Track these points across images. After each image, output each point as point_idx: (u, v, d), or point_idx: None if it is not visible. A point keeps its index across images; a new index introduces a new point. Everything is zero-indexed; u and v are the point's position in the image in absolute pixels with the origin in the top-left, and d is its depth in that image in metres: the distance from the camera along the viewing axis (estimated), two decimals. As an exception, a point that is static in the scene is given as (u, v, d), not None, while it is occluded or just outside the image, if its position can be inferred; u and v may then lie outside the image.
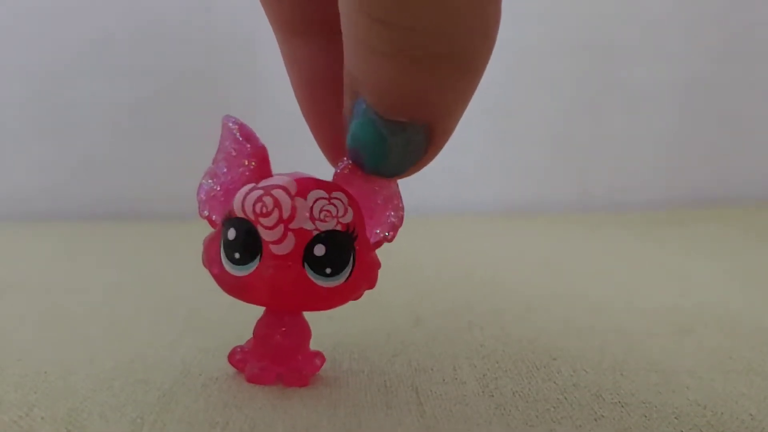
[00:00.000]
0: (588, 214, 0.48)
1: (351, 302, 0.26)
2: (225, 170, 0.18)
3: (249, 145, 0.18)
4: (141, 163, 0.46)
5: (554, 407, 0.18)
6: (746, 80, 0.51)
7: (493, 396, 0.18)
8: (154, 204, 0.46)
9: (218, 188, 0.18)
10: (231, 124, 0.18)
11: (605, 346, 0.22)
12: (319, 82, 0.18)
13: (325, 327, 0.23)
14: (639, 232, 0.42)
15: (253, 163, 0.18)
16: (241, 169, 0.18)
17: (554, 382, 0.19)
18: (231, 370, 0.19)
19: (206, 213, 0.18)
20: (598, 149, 0.50)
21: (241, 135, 0.18)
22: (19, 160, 0.46)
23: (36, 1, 0.44)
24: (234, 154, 0.18)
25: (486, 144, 0.49)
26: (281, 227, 0.17)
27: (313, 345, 0.19)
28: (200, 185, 0.19)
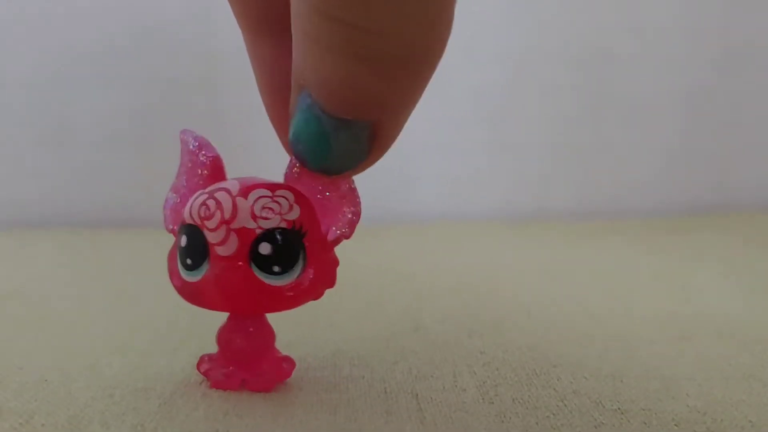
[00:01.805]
0: (588, 222, 0.48)
1: (351, 309, 0.26)
2: (184, 182, 0.19)
3: (202, 155, 0.18)
4: (141, 171, 0.46)
5: (554, 414, 0.18)
6: (746, 89, 0.51)
7: (493, 403, 0.18)
8: (154, 211, 0.46)
9: (179, 200, 0.19)
10: (186, 137, 0.19)
11: (605, 354, 0.22)
12: (282, 82, 0.17)
13: (324, 334, 0.23)
14: (639, 240, 0.42)
15: (206, 172, 0.18)
16: (195, 179, 0.18)
17: (554, 389, 0.19)
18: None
19: (171, 227, 0.19)
20: (598, 157, 0.50)
21: (194, 146, 0.18)
22: (18, 167, 0.46)
23: (35, 10, 0.44)
24: (190, 165, 0.19)
25: (486, 152, 0.49)
26: (224, 228, 0.17)
27: (314, 352, 0.19)
28: (166, 200, 0.19)
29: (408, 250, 0.38)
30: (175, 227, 0.18)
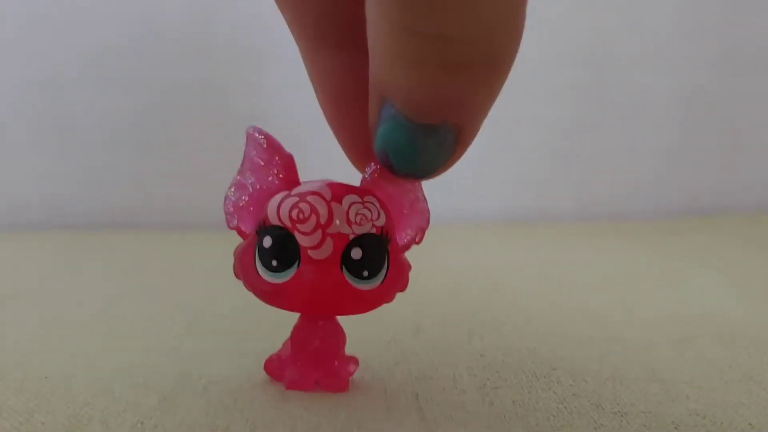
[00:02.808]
0: (587, 223, 0.48)
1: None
2: (252, 180, 0.19)
3: (276, 155, 0.18)
4: (141, 173, 0.46)
5: (554, 416, 0.18)
6: (745, 91, 0.51)
7: (493, 404, 0.18)
8: (154, 213, 0.46)
9: (246, 198, 0.19)
10: (257, 135, 0.19)
11: (605, 356, 0.22)
12: (346, 92, 0.18)
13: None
14: (638, 242, 0.42)
15: (282, 174, 0.18)
16: (270, 178, 0.18)
17: (554, 392, 0.19)
18: (231, 373, 0.20)
19: (235, 223, 0.19)
20: (598, 159, 0.50)
21: (267, 145, 0.18)
22: (20, 170, 0.46)
23: (37, 12, 0.44)
24: (261, 164, 0.19)
25: (486, 154, 0.49)
26: (319, 232, 0.17)
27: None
28: (226, 197, 0.19)
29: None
30: (242, 225, 0.18)
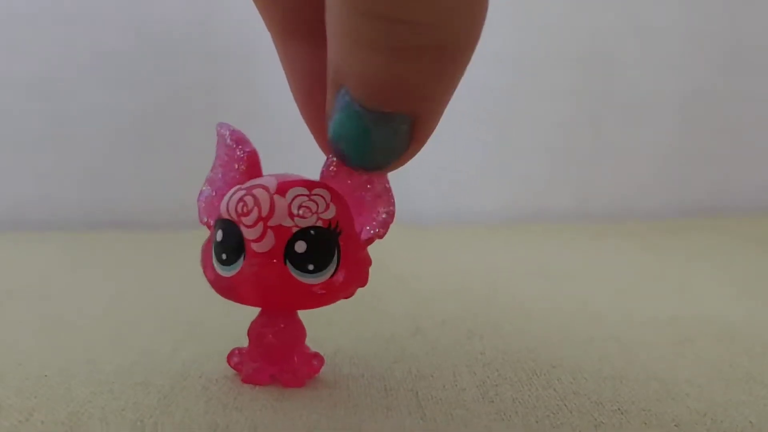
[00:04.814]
0: (588, 223, 0.48)
1: (350, 311, 0.26)
2: (220, 176, 0.19)
3: (239, 150, 0.18)
4: (141, 173, 0.46)
5: (554, 413, 0.18)
6: (745, 91, 0.51)
7: (493, 402, 0.18)
8: (155, 213, 0.46)
9: (214, 193, 0.19)
10: (223, 131, 0.19)
11: (605, 355, 0.22)
12: (316, 83, 0.18)
13: (324, 332, 0.23)
14: (638, 242, 0.42)
15: (243, 167, 0.18)
16: (232, 173, 0.19)
17: (554, 390, 0.19)
18: (231, 372, 0.20)
19: (205, 219, 0.19)
20: (598, 159, 0.50)
21: (231, 140, 0.19)
22: (21, 170, 0.46)
23: (38, 13, 0.44)
24: (226, 159, 0.19)
25: (486, 153, 0.49)
26: (261, 225, 0.17)
27: (313, 349, 0.19)
28: (200, 192, 0.19)
29: (408, 251, 0.38)
30: (210, 220, 0.19)
